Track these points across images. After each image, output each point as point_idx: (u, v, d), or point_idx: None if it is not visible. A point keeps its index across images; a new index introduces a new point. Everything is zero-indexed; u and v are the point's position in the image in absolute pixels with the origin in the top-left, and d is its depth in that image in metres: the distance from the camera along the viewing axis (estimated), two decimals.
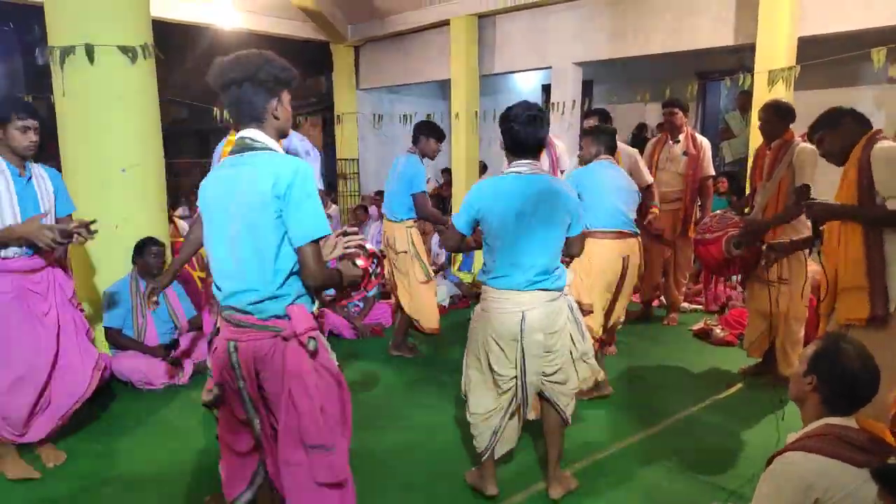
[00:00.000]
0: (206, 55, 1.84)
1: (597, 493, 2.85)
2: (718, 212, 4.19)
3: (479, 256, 5.23)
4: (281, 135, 2.01)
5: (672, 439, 3.33)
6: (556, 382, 2.70)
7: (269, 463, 2.07)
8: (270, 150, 1.92)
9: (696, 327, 5.13)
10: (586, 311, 3.46)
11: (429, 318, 4.53)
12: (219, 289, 1.98)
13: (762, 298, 3.88)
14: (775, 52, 5.96)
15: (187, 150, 14.79)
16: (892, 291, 2.53)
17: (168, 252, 4.28)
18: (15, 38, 10.73)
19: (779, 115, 3.74)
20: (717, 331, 4.96)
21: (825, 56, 6.10)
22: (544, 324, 2.58)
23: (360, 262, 2.18)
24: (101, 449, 3.28)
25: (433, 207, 4.72)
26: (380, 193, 9.38)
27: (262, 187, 1.82)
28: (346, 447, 2.01)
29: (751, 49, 6.25)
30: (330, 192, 11.00)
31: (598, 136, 3.78)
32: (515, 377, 2.63)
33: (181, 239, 4.22)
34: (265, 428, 2.04)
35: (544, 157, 5.26)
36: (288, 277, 1.90)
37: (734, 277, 5.74)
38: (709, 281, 4.73)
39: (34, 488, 2.89)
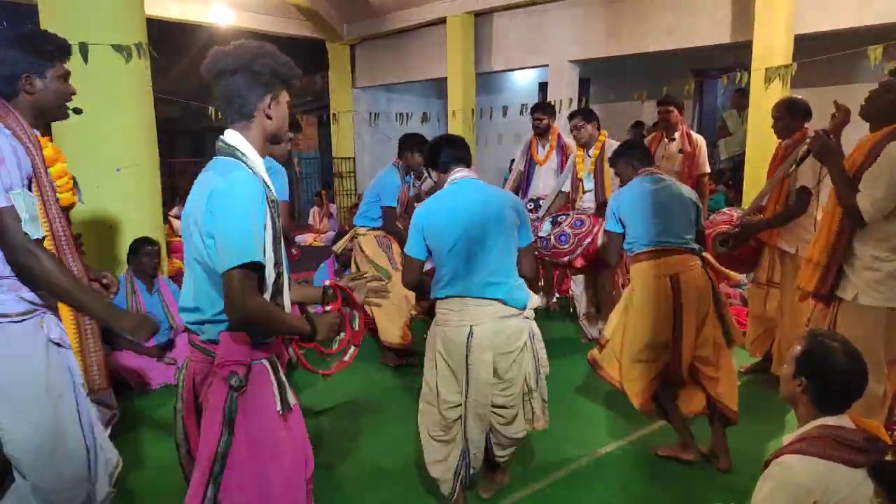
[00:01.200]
0: (201, 54, 1.74)
1: (595, 492, 2.84)
2: (725, 209, 4.16)
3: None
4: (273, 139, 1.81)
5: (671, 438, 3.32)
6: (503, 419, 2.53)
7: None
8: (236, 157, 1.69)
9: None
10: (602, 343, 3.11)
11: (386, 331, 4.28)
12: None
13: (754, 301, 3.88)
14: (772, 49, 5.97)
15: (182, 149, 14.77)
16: (856, 280, 2.62)
17: (164, 252, 4.27)
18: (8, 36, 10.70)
19: (791, 113, 3.63)
20: None
21: (821, 53, 6.11)
22: (496, 342, 2.41)
23: (328, 307, 1.93)
24: None
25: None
26: None
27: (201, 203, 1.64)
28: None
29: (747, 47, 6.26)
30: (327, 190, 10.99)
31: (629, 153, 3.20)
32: (460, 405, 2.49)
33: (177, 238, 4.21)
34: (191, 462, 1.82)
35: (553, 156, 5.27)
36: None
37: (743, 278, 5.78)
38: None
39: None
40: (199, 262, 1.69)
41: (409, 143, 4.31)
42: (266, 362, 1.76)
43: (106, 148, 4.02)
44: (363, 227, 4.38)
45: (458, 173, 2.57)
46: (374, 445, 3.31)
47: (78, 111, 2.26)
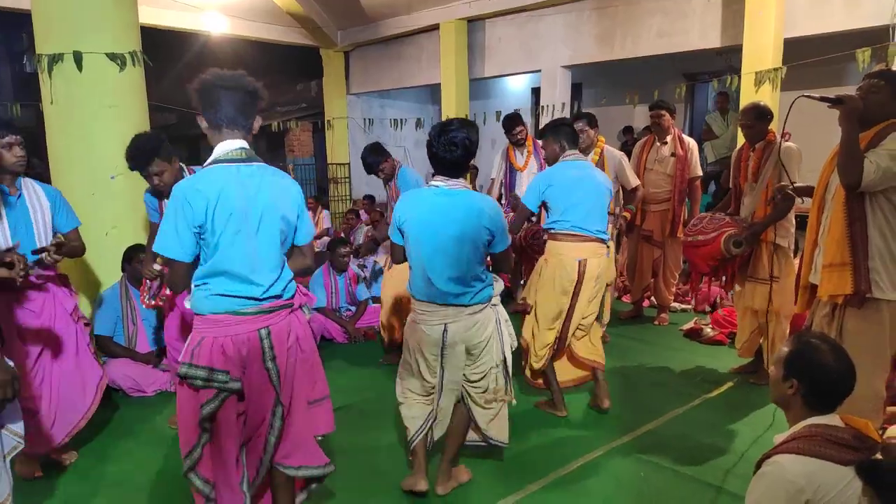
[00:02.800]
0: (196, 61, 1.79)
1: (588, 492, 2.86)
2: (706, 214, 4.22)
3: None
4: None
5: (663, 439, 3.35)
6: (478, 388, 2.74)
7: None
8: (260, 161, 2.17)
9: (686, 327, 5.16)
10: (523, 308, 3.59)
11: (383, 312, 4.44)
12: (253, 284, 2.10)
13: (757, 297, 3.91)
14: (762, 53, 6.03)
15: (177, 157, 14.72)
16: (876, 276, 2.57)
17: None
18: (2, 45, 10.68)
19: (759, 118, 3.81)
20: (708, 330, 4.99)
21: (811, 57, 6.17)
22: (466, 336, 2.62)
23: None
24: (92, 457, 3.26)
25: None
26: (369, 198, 9.39)
27: (286, 196, 2.16)
28: None
29: (738, 51, 6.31)
30: (321, 196, 11.00)
31: (556, 130, 3.55)
32: (434, 384, 2.73)
33: None
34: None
35: (532, 161, 5.33)
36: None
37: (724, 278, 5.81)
38: (697, 281, 4.75)
39: (23, 500, 2.87)
40: (282, 243, 2.15)
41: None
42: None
43: (100, 155, 4.02)
44: None
45: (439, 182, 2.65)
46: (374, 448, 3.31)
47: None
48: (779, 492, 1.69)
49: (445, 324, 2.61)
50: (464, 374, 2.71)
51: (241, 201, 2.03)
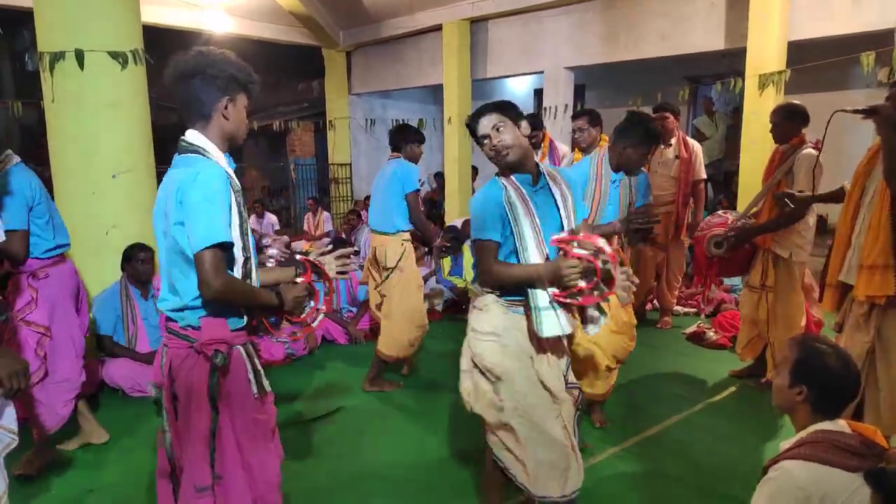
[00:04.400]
0: None
1: (591, 497, 2.84)
2: (720, 211, 4.19)
3: (468, 261, 5.22)
4: (231, 141, 1.92)
5: (666, 444, 3.33)
6: None
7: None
8: (199, 153, 1.83)
9: (689, 330, 5.14)
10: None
11: (388, 344, 4.07)
12: None
13: (746, 304, 3.88)
14: (765, 56, 6.01)
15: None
16: None
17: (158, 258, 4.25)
18: (4, 43, 10.67)
19: (789, 118, 3.64)
20: (711, 334, 4.97)
21: (814, 60, 6.15)
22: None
23: (299, 279, 2.05)
24: (91, 457, 3.25)
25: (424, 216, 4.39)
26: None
27: (170, 197, 1.78)
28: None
29: (741, 53, 6.30)
30: (322, 197, 11.00)
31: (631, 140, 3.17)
32: None
33: None
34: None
35: (546, 162, 5.30)
36: None
37: (726, 280, 5.80)
38: (700, 283, 4.74)
39: (21, 499, 2.86)
40: (175, 253, 1.81)
41: (408, 136, 4.13)
42: (242, 349, 1.90)
43: (102, 154, 4.01)
44: (404, 230, 4.08)
45: None
46: (375, 448, 3.30)
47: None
48: (786, 498, 1.67)
49: None
50: None
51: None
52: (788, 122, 3.65)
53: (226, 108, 1.85)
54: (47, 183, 3.25)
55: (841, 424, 1.78)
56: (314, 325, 2.09)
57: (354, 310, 5.44)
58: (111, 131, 4.01)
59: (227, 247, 1.77)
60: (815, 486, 1.65)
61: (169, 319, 1.89)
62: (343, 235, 8.23)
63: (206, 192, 1.74)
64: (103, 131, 3.99)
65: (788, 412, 1.87)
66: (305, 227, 10.42)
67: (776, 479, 1.73)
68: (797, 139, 3.65)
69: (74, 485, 2.99)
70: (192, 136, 1.86)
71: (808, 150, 3.56)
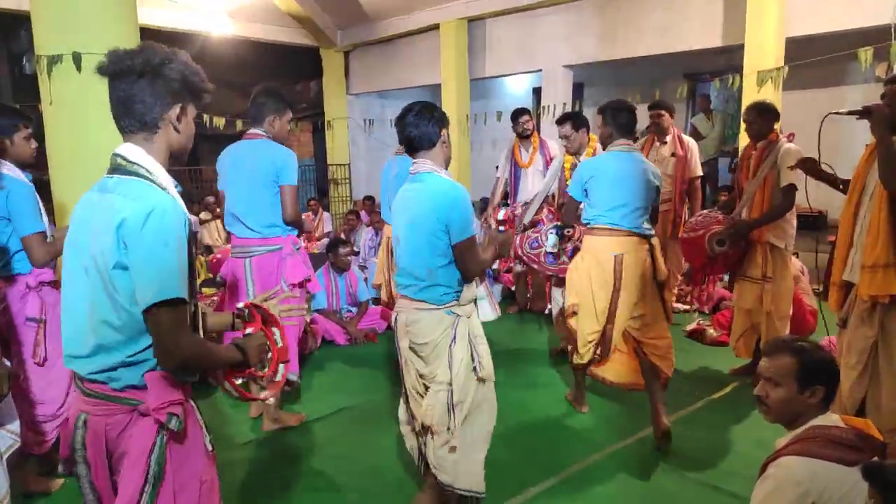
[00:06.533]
0: (195, 62, 1.67)
1: (591, 494, 2.84)
2: (705, 210, 4.21)
3: None
4: (177, 156, 1.62)
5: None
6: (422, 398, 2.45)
7: None
8: (143, 176, 1.50)
9: (689, 328, 5.14)
10: (569, 313, 3.37)
11: None
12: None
13: (748, 297, 3.90)
14: (763, 52, 6.01)
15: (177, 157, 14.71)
16: None
17: None
18: (1, 46, 10.68)
19: (763, 116, 3.79)
20: (710, 331, 4.98)
21: (812, 56, 6.15)
22: (409, 331, 2.42)
23: (249, 329, 1.79)
24: None
25: None
26: (370, 199, 9.38)
27: (107, 233, 1.43)
28: None
29: (739, 50, 6.30)
30: (322, 198, 10.99)
31: (613, 114, 3.30)
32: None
33: None
34: None
35: (538, 157, 5.31)
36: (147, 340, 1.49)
37: (725, 277, 5.80)
38: (699, 281, 4.73)
39: (21, 499, 2.85)
40: (106, 298, 1.45)
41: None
42: (191, 402, 1.61)
43: (100, 156, 3.98)
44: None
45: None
46: (375, 448, 3.30)
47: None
48: (785, 494, 1.68)
49: (397, 313, 2.55)
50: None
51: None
52: (762, 120, 3.79)
53: (178, 118, 1.55)
54: (45, 186, 3.26)
55: (834, 419, 1.79)
56: (280, 379, 1.85)
57: (354, 310, 5.45)
58: (109, 134, 3.98)
59: (182, 302, 1.45)
60: (813, 481, 1.65)
61: (91, 382, 1.50)
62: (342, 236, 8.23)
63: (163, 237, 1.41)
64: (101, 134, 3.98)
65: (792, 420, 1.83)
66: (306, 228, 10.42)
67: (775, 475, 1.73)
68: (774, 134, 3.78)
69: (74, 484, 2.98)
70: (130, 151, 1.55)
71: (789, 145, 3.69)
